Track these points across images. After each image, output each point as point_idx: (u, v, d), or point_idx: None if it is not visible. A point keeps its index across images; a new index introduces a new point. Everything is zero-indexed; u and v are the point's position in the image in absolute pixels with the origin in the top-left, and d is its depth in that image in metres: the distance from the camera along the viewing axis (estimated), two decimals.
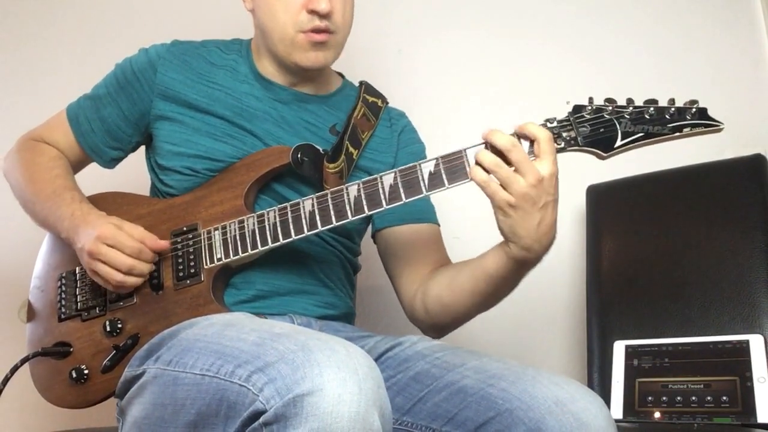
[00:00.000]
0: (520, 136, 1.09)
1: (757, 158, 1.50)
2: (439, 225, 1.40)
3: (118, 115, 1.34)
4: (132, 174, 1.45)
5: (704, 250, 1.49)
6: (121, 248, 1.18)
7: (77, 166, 1.41)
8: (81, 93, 1.40)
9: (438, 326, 1.29)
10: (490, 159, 1.07)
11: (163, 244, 1.22)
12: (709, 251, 1.48)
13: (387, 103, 1.44)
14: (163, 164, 1.31)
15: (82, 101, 1.38)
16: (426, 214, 1.38)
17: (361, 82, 1.44)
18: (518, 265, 1.14)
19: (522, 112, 1.79)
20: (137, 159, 1.41)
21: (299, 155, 1.24)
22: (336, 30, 1.27)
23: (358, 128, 1.35)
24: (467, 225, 1.64)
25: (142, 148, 1.40)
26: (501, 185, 1.06)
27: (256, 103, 1.32)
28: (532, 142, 1.08)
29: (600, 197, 1.67)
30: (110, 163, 1.40)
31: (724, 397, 1.27)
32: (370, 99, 1.40)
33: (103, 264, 1.18)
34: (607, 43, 1.78)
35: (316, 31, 1.25)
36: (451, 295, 1.25)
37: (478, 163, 1.08)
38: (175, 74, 1.32)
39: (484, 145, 1.09)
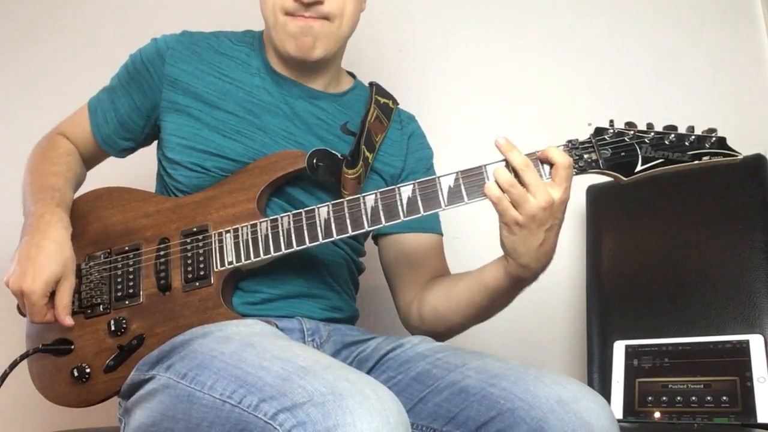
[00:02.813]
0: (542, 159, 1.11)
1: (757, 158, 1.50)
2: (442, 235, 1.40)
3: (130, 106, 1.34)
4: (139, 170, 1.45)
5: (704, 250, 1.49)
6: (30, 311, 1.18)
7: (91, 160, 1.41)
8: (86, 89, 1.41)
9: (431, 335, 1.29)
10: (505, 178, 1.08)
11: (68, 324, 1.20)
12: (709, 251, 1.48)
13: (397, 104, 1.44)
14: (171, 157, 1.30)
15: (101, 94, 1.39)
16: (431, 223, 1.38)
17: (371, 83, 1.43)
18: (514, 281, 1.17)
19: (522, 111, 1.81)
20: (146, 156, 1.41)
21: (315, 160, 1.24)
22: (329, 17, 1.25)
23: (372, 131, 1.35)
24: (467, 225, 1.64)
25: (153, 145, 1.40)
26: (512, 204, 1.08)
27: (267, 98, 1.31)
28: (551, 164, 1.10)
29: (600, 197, 1.67)
30: (121, 153, 1.40)
31: (724, 397, 1.28)
32: (382, 100, 1.40)
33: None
34: (607, 43, 1.78)
35: (302, 17, 1.24)
36: (447, 305, 1.27)
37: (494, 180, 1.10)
38: (184, 65, 1.31)
39: (504, 162, 1.11)
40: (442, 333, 1.30)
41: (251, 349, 1.01)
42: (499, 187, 1.08)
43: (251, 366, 0.98)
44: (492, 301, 1.22)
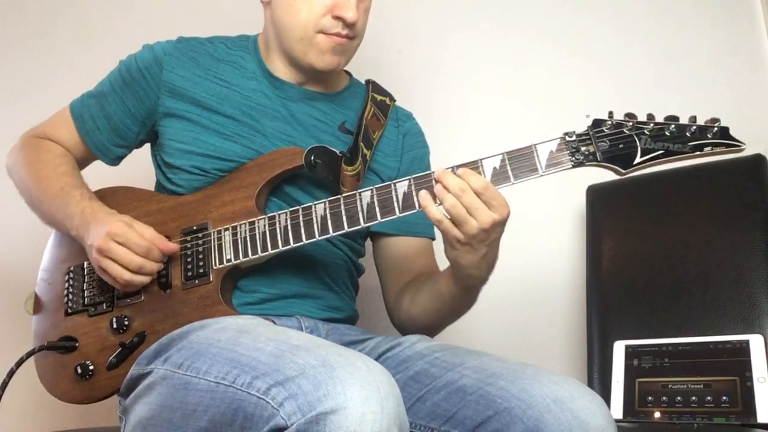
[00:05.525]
0: (437, 180, 1.10)
1: (757, 158, 1.50)
2: (434, 238, 1.40)
3: (124, 113, 1.34)
4: (139, 170, 1.46)
5: (704, 250, 1.49)
6: (131, 247, 1.17)
7: (82, 163, 1.40)
8: (81, 91, 1.40)
9: (416, 332, 1.30)
10: (447, 198, 1.07)
11: (173, 246, 1.22)
12: (709, 251, 1.48)
13: (394, 101, 1.44)
14: (171, 162, 1.30)
15: (85, 99, 1.38)
16: (421, 227, 1.38)
17: (367, 81, 1.44)
18: (464, 288, 1.19)
19: (522, 111, 1.81)
20: (144, 155, 1.41)
21: (312, 157, 1.24)
22: (355, 36, 1.28)
23: (370, 128, 1.35)
24: None
25: (147, 144, 1.40)
26: (453, 223, 1.08)
27: (264, 101, 1.32)
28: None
29: (600, 197, 1.67)
30: (115, 160, 1.40)
31: (724, 397, 1.27)
32: (379, 98, 1.40)
33: (112, 261, 1.18)
34: (607, 43, 1.78)
35: (338, 36, 1.26)
36: (416, 309, 1.30)
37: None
38: (182, 72, 1.31)
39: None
40: (423, 331, 1.30)
41: (246, 335, 1.03)
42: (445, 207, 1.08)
43: (246, 348, 0.99)
44: (451, 305, 1.24)
